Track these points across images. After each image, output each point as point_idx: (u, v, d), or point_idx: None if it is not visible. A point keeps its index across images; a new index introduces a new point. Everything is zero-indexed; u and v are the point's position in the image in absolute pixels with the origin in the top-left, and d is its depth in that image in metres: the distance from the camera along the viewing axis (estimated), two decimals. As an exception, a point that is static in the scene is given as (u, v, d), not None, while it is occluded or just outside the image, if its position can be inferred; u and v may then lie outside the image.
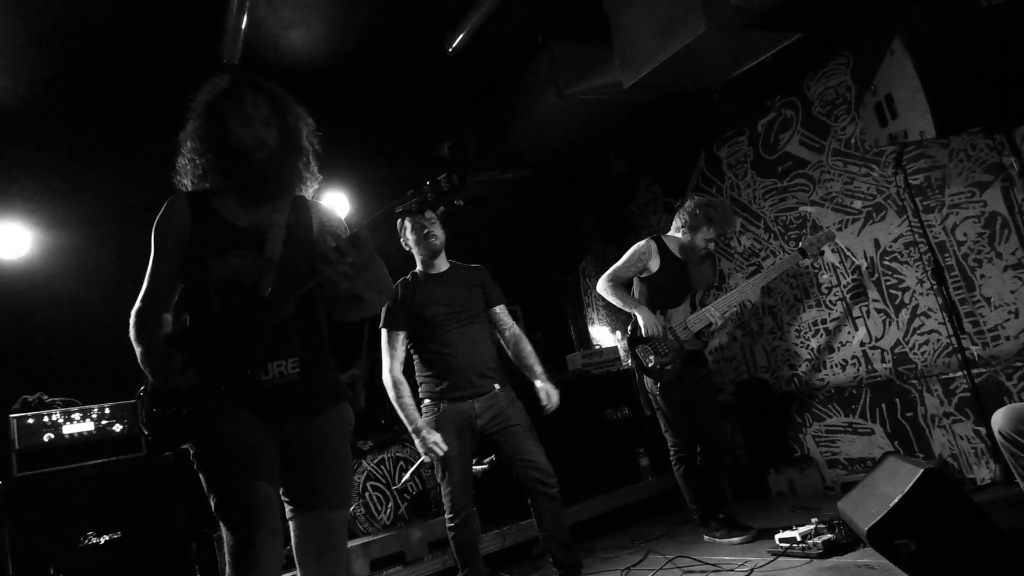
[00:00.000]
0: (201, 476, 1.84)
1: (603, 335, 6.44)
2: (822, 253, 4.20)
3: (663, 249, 3.87)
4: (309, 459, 1.89)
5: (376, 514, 4.13)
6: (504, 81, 5.05)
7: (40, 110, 4.09)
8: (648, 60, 4.20)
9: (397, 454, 4.31)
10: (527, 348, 3.34)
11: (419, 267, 3.36)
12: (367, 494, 4.15)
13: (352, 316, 1.92)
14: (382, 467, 4.24)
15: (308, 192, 2.00)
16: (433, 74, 4.79)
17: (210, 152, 1.87)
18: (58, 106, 4.12)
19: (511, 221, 6.70)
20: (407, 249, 3.37)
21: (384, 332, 3.23)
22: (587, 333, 6.64)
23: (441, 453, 3.03)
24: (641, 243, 3.90)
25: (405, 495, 4.24)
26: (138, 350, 1.86)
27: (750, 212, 4.97)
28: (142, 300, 1.92)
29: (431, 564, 3.93)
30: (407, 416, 3.11)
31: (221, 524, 1.78)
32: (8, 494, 3.49)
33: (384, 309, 3.19)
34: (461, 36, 4.41)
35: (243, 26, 3.76)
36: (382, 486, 4.20)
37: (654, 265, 3.84)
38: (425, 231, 3.24)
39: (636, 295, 3.89)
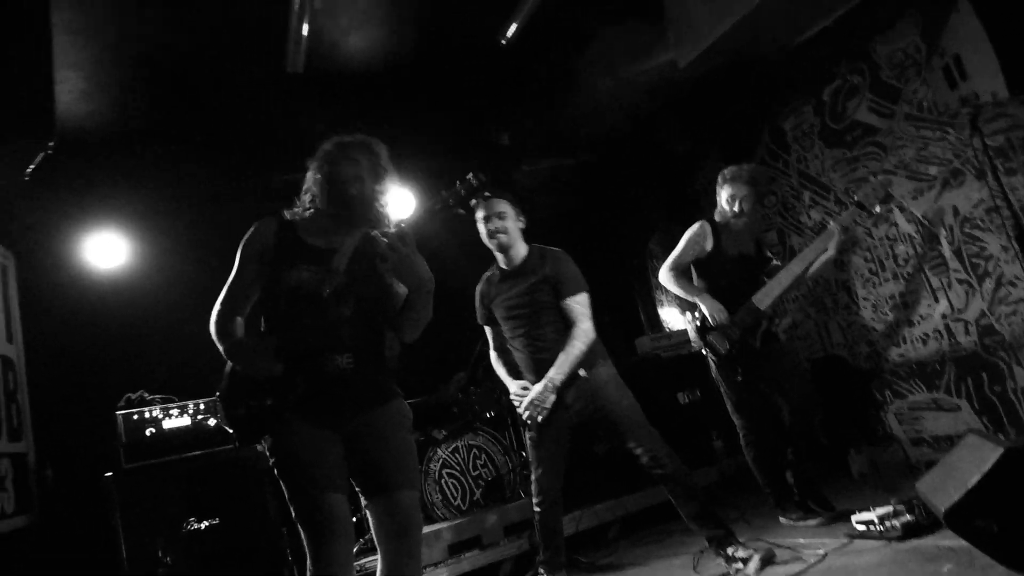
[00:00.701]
0: (281, 484, 2.09)
1: (673, 317, 6.38)
2: (885, 202, 3.75)
3: (716, 229, 3.78)
4: (373, 449, 2.11)
5: (452, 500, 4.27)
6: (560, 69, 5.04)
7: (132, 129, 4.38)
8: (704, 37, 4.14)
9: (471, 442, 4.44)
10: (564, 349, 3.16)
11: (497, 261, 3.39)
12: (443, 481, 4.29)
13: (408, 332, 2.23)
14: (456, 455, 4.37)
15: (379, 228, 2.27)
16: (489, 66, 4.83)
17: (321, 186, 2.22)
18: (147, 123, 4.40)
19: (575, 206, 6.70)
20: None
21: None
22: (656, 315, 6.59)
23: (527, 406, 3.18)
24: (695, 226, 3.80)
25: (480, 481, 4.37)
26: (223, 346, 2.16)
27: (819, 185, 4.80)
28: (221, 303, 2.22)
29: (507, 548, 4.04)
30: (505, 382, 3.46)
31: (300, 529, 2.05)
32: (118, 484, 3.80)
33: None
34: (514, 27, 4.44)
35: (304, 36, 3.92)
36: (457, 473, 4.34)
37: (708, 245, 3.75)
38: (489, 229, 3.24)
39: (696, 281, 3.81)
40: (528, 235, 5.38)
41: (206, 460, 4.11)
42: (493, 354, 3.54)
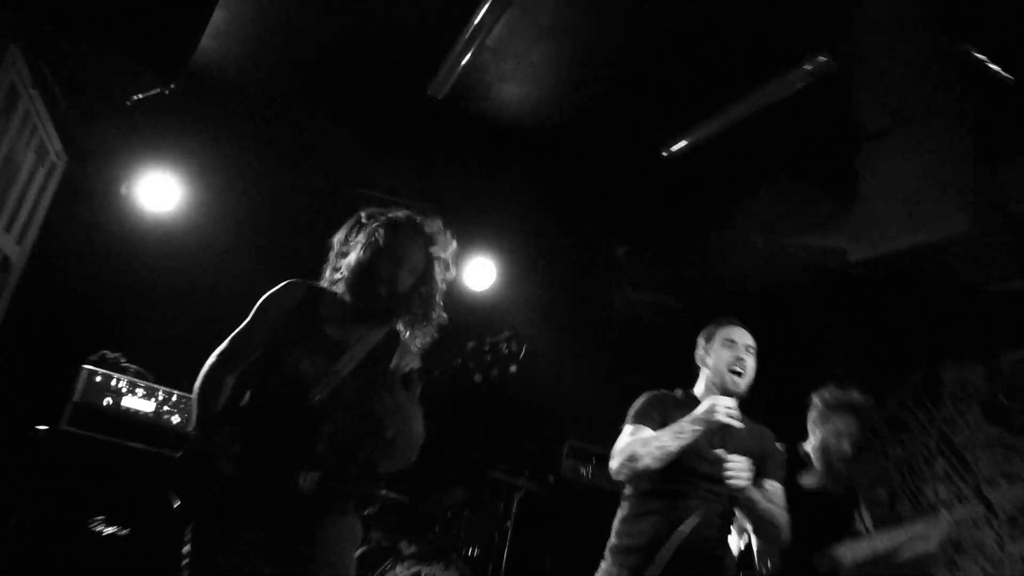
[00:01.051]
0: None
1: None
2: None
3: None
4: (308, 566, 2.03)
5: (389, 633, 3.87)
6: (710, 202, 4.88)
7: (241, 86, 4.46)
8: (887, 240, 3.92)
9: (437, 574, 4.04)
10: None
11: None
12: (386, 604, 3.91)
13: (382, 465, 2.17)
14: (415, 582, 3.99)
15: (414, 331, 2.29)
16: (637, 173, 4.74)
17: (352, 267, 2.22)
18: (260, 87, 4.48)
19: (666, 352, 6.37)
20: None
21: None
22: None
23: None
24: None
25: (428, 623, 3.95)
26: (197, 410, 2.15)
27: (960, 459, 4.34)
28: (219, 355, 2.23)
29: None
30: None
31: None
32: (43, 443, 3.64)
33: None
34: (681, 144, 4.34)
35: (460, 66, 3.93)
36: (407, 603, 3.94)
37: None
38: (739, 358, 2.80)
39: None
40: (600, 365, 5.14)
41: (150, 459, 3.91)
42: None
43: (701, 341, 2.93)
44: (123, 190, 4.37)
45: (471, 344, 1.95)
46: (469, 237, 5.10)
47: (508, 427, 5.63)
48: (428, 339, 2.30)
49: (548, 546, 5.05)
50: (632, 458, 2.56)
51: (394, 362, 2.24)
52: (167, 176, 4.41)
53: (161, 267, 4.64)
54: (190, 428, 2.17)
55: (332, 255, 2.33)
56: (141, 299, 4.60)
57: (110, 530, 3.67)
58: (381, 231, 2.23)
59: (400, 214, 2.31)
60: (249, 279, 4.90)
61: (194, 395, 2.17)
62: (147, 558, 3.73)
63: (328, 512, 2.10)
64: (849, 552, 3.22)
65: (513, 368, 1.91)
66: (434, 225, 2.32)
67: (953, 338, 4.60)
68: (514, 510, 4.49)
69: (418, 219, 2.30)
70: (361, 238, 2.25)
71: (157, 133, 4.31)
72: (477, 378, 1.95)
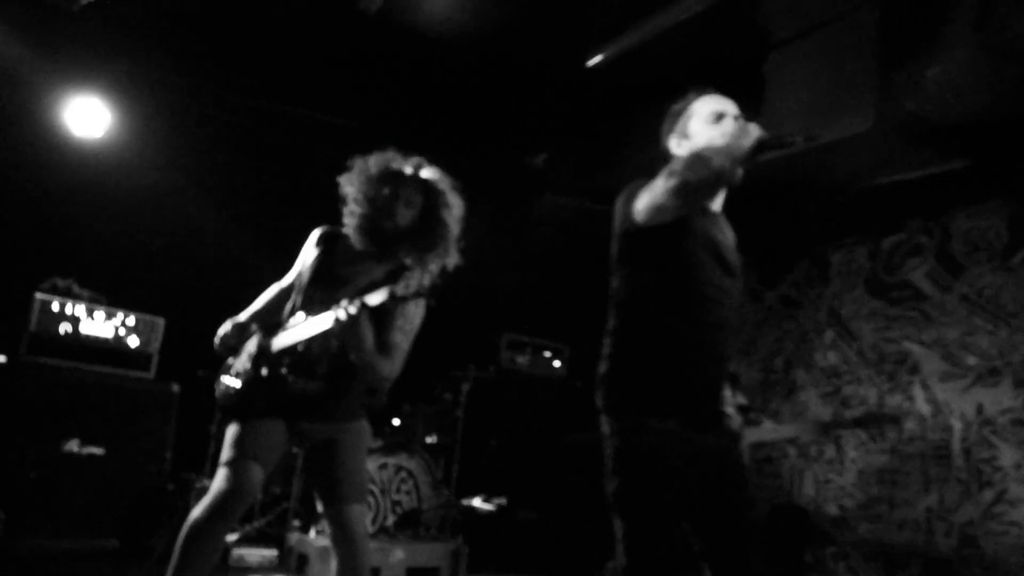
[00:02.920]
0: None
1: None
2: (881, 433, 4.17)
3: None
4: (332, 466, 2.26)
5: (361, 517, 3.97)
6: (627, 114, 4.91)
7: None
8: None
9: (403, 463, 4.15)
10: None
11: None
12: (359, 493, 4.00)
13: (368, 379, 2.32)
14: (383, 471, 4.07)
15: (421, 265, 2.33)
16: (559, 82, 4.68)
17: (359, 206, 2.33)
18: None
19: (586, 255, 6.53)
20: None
21: None
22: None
23: None
24: None
25: (397, 508, 4.08)
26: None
27: (846, 329, 4.71)
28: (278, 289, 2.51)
29: (403, 591, 3.77)
30: None
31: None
32: (8, 373, 3.45)
33: None
34: (603, 55, 4.30)
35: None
36: (376, 491, 4.03)
37: None
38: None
39: None
40: (532, 266, 5.24)
41: (113, 381, 3.78)
42: None
43: (668, 127, 2.36)
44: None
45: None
46: (392, 148, 4.97)
47: (453, 328, 5.70)
48: (434, 273, 2.21)
49: (495, 427, 5.26)
50: (697, 156, 1.85)
51: (387, 293, 2.16)
52: (94, 100, 4.04)
53: (98, 191, 4.33)
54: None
55: (346, 201, 2.39)
56: (83, 224, 4.31)
57: (88, 451, 3.57)
58: (376, 173, 2.33)
59: (393, 157, 2.39)
60: (186, 199, 4.68)
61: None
62: (126, 475, 3.68)
63: (341, 414, 2.31)
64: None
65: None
66: (426, 167, 2.41)
67: (841, 225, 4.90)
68: (463, 400, 4.60)
69: (412, 162, 2.39)
70: (362, 181, 2.34)
71: (81, 55, 3.91)
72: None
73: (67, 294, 3.82)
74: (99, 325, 3.85)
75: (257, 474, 2.12)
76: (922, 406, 4.20)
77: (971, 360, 4.01)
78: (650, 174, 5.44)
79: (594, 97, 4.90)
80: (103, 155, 4.27)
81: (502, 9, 4.09)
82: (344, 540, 2.24)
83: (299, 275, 2.42)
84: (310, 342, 2.22)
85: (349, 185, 2.37)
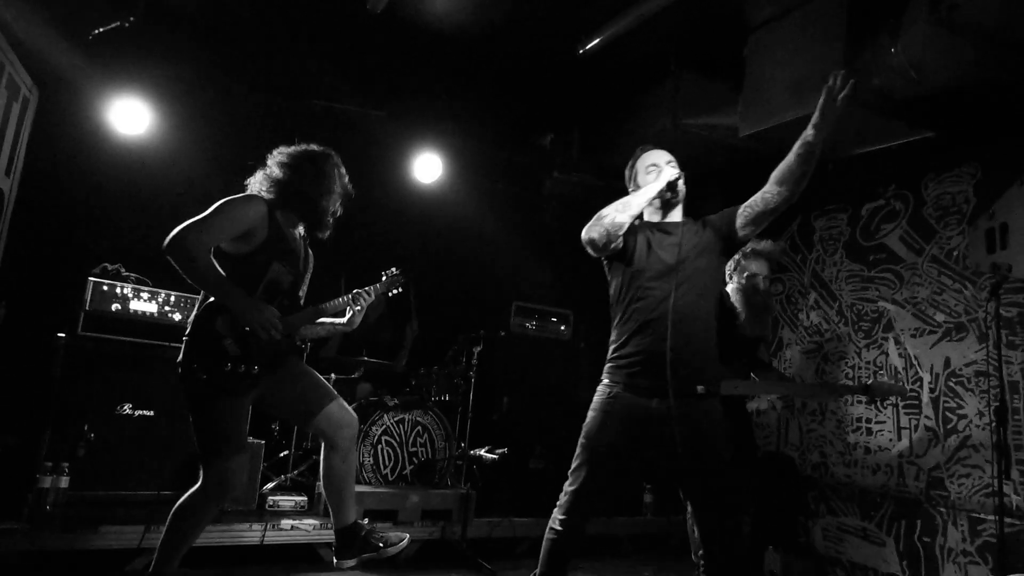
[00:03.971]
0: (200, 416, 2.57)
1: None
2: (883, 402, 4.27)
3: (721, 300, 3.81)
4: (291, 387, 2.71)
5: (382, 468, 4.27)
6: (624, 94, 5.04)
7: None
8: (772, 115, 4.12)
9: (418, 418, 4.44)
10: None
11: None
12: (379, 446, 4.29)
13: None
14: (400, 426, 4.37)
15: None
16: (558, 70, 4.81)
17: (302, 195, 2.70)
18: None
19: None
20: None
21: None
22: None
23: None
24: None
25: (415, 458, 4.38)
26: (196, 268, 2.49)
27: (828, 291, 4.85)
28: (204, 232, 2.51)
29: (419, 530, 4.06)
30: None
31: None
32: (67, 348, 3.76)
33: None
34: (596, 41, 4.42)
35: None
36: (395, 443, 4.34)
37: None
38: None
39: None
40: (542, 241, 5.46)
41: (160, 352, 4.07)
42: None
43: (627, 175, 2.83)
44: None
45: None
46: (417, 136, 5.16)
47: (466, 296, 5.92)
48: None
49: (504, 387, 5.50)
50: (599, 217, 2.49)
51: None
52: (136, 102, 4.29)
53: (140, 185, 4.60)
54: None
55: (272, 175, 2.78)
56: (127, 214, 4.59)
57: (140, 413, 3.89)
58: (318, 157, 2.80)
59: (319, 147, 2.85)
60: (217, 188, 4.93)
61: (187, 255, 2.56)
62: (174, 433, 3.98)
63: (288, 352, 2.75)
64: (733, 386, 3.74)
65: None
66: (334, 154, 2.88)
67: (824, 193, 4.99)
68: (475, 361, 4.82)
69: (325, 148, 2.87)
70: (294, 164, 2.77)
71: (122, 61, 4.15)
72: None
73: (116, 277, 4.10)
74: (145, 303, 4.14)
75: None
76: (895, 360, 4.34)
77: (940, 317, 4.13)
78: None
79: (592, 82, 5.03)
80: (144, 152, 4.54)
81: (499, 6, 4.24)
82: (336, 432, 2.66)
83: (236, 228, 2.65)
84: None
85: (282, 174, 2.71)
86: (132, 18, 3.60)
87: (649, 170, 2.69)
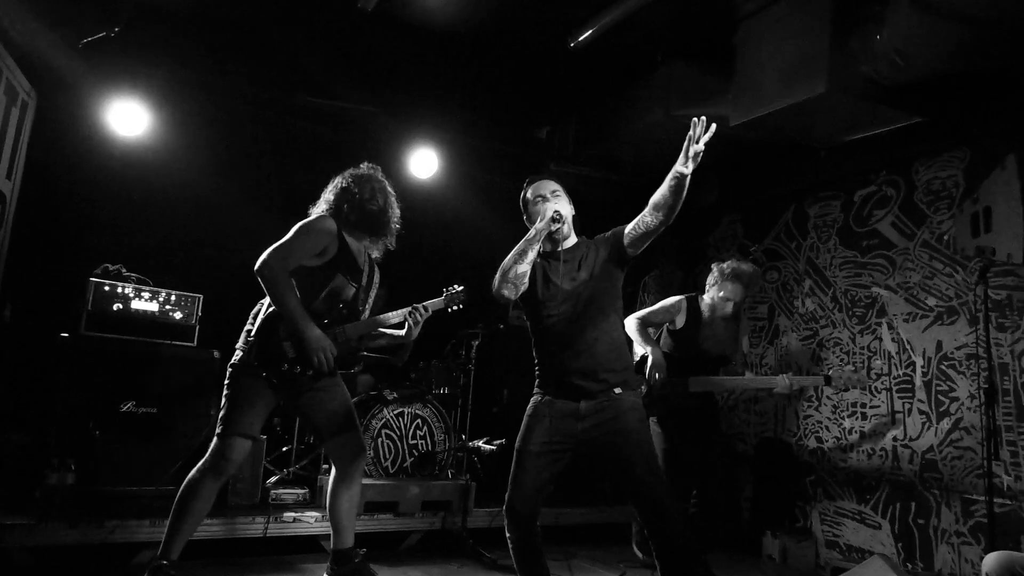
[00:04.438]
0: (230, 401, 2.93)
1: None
2: (845, 390, 4.39)
3: (693, 309, 3.97)
4: (325, 409, 3.05)
5: (383, 460, 4.34)
6: (616, 86, 5.07)
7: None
8: (762, 104, 4.16)
9: (417, 411, 4.50)
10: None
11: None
12: (379, 439, 4.36)
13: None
14: (400, 419, 4.43)
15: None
16: (551, 63, 4.85)
17: (364, 212, 3.05)
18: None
19: (587, 220, 6.73)
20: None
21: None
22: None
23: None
24: (675, 299, 4.03)
25: (415, 451, 4.44)
26: (278, 290, 2.82)
27: (822, 277, 4.89)
28: (288, 255, 2.86)
29: (420, 521, 4.14)
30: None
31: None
32: (70, 348, 3.83)
33: None
34: (587, 34, 4.45)
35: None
36: (395, 436, 4.41)
37: (680, 321, 3.98)
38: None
39: (660, 343, 4.01)
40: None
41: (162, 350, 4.14)
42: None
43: (521, 205, 3.01)
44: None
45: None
46: (413, 132, 5.20)
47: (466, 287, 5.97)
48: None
49: (504, 380, 5.56)
50: (503, 271, 2.67)
51: (377, 274, 3.30)
52: (133, 103, 4.35)
53: (138, 186, 4.67)
54: None
55: (336, 201, 3.11)
56: (126, 215, 4.66)
57: (143, 410, 3.96)
58: (377, 178, 3.20)
59: (377, 169, 3.24)
60: (215, 189, 5.00)
61: (273, 276, 2.83)
62: (176, 431, 4.05)
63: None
64: (701, 383, 3.87)
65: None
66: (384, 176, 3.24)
67: (818, 180, 5.02)
68: (474, 355, 4.88)
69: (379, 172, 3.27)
70: (359, 186, 3.15)
71: (118, 63, 4.21)
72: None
73: (117, 277, 4.16)
74: (146, 303, 4.20)
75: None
76: (889, 345, 4.39)
77: (931, 301, 4.17)
78: (638, 142, 5.59)
79: (586, 74, 5.06)
80: (143, 153, 4.59)
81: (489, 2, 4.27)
82: (349, 461, 3.03)
83: (313, 249, 2.95)
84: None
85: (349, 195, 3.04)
86: (117, 29, 3.65)
87: (536, 201, 2.90)
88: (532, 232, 2.72)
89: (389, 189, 3.17)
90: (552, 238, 2.82)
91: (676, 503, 2.66)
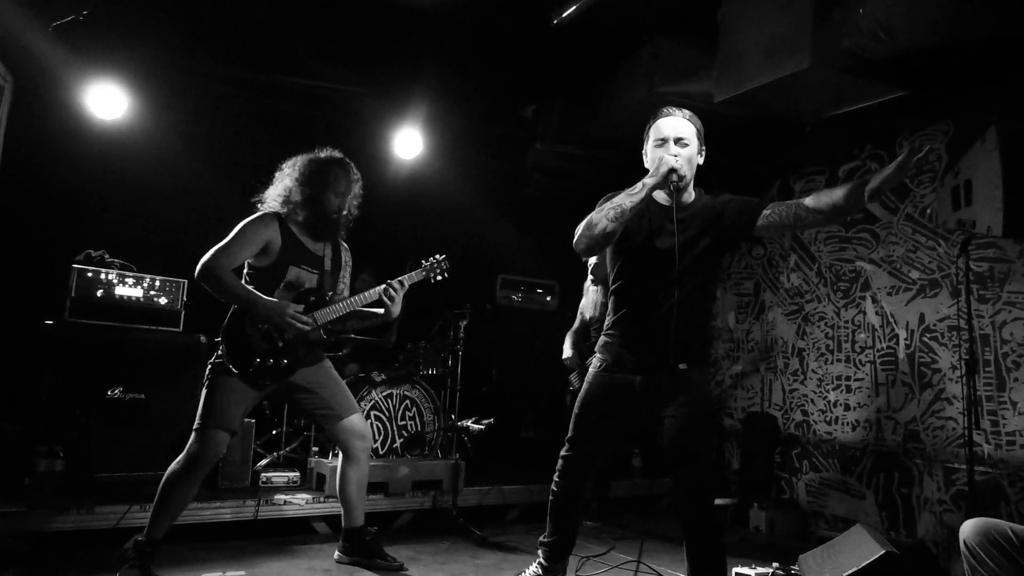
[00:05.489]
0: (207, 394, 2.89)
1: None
2: (756, 370, 4.59)
3: None
4: (321, 392, 3.05)
5: (372, 442, 4.37)
6: (601, 63, 5.05)
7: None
8: (747, 80, 4.15)
9: (406, 392, 4.53)
10: None
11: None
12: (369, 421, 4.38)
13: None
14: (389, 401, 4.46)
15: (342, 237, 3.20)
16: (534, 41, 4.82)
17: (308, 202, 2.97)
18: None
19: (575, 197, 6.74)
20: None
21: None
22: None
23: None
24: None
25: (404, 432, 4.47)
26: (222, 288, 2.85)
27: (807, 252, 4.93)
28: (226, 256, 2.85)
29: (411, 501, 4.18)
30: None
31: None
32: (55, 334, 3.82)
33: None
34: (570, 10, 4.42)
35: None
36: (384, 418, 4.44)
37: None
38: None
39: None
40: (526, 213, 5.50)
41: (147, 336, 4.13)
42: None
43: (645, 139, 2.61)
44: None
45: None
46: (397, 112, 5.17)
47: (451, 270, 5.98)
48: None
49: (493, 360, 5.61)
50: (589, 225, 2.36)
51: (344, 258, 3.25)
52: (112, 86, 4.29)
53: (119, 170, 4.62)
54: None
55: (279, 191, 3.07)
56: (107, 201, 4.62)
57: (130, 396, 3.96)
58: (328, 165, 3.06)
59: (331, 153, 3.12)
60: (198, 173, 4.96)
61: (216, 281, 2.86)
62: (164, 416, 4.06)
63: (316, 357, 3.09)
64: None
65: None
66: (348, 161, 3.12)
67: (803, 155, 5.05)
68: (462, 335, 4.89)
69: (337, 153, 3.15)
70: (306, 175, 3.07)
71: (95, 45, 4.14)
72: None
73: (100, 263, 4.15)
74: (130, 288, 4.19)
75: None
76: (873, 318, 4.44)
77: (914, 275, 4.22)
78: (624, 122, 5.55)
79: (571, 51, 5.03)
80: (123, 136, 4.54)
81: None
82: (354, 442, 3.07)
83: (252, 247, 2.94)
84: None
85: (294, 184, 2.98)
86: (86, 12, 3.59)
87: (657, 143, 2.46)
88: (638, 186, 2.31)
89: (343, 178, 3.02)
90: (669, 191, 2.40)
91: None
